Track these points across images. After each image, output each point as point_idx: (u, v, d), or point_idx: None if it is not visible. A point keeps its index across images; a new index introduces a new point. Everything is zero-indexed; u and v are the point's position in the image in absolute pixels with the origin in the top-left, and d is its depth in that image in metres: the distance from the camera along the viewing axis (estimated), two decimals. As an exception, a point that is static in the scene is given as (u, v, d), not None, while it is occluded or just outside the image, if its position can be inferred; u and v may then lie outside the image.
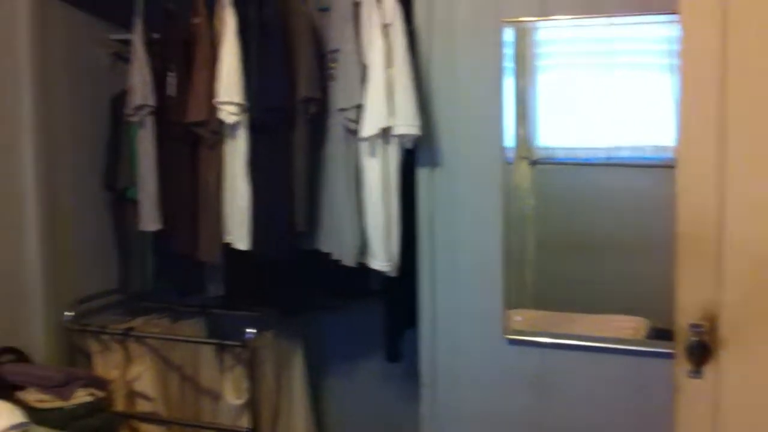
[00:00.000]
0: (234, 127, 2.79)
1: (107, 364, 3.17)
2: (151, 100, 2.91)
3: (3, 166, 2.91)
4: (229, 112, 2.75)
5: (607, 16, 2.53)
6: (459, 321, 2.77)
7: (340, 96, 2.70)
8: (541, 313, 2.83)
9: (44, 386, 2.80)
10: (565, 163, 2.87)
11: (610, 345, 2.61)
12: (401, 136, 2.65)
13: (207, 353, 3.29)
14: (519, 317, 2.73)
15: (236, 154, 2.82)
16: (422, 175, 2.75)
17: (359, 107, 2.64)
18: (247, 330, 2.96)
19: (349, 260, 2.74)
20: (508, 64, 2.63)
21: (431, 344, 2.81)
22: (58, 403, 2.77)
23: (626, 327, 2.70)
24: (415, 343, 2.86)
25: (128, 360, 3.18)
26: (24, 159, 2.98)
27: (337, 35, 2.71)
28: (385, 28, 2.62)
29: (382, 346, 3.12)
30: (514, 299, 2.72)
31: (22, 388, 2.79)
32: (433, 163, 2.74)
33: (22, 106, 2.96)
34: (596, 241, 2.77)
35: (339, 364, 3.57)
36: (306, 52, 2.71)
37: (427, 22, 2.70)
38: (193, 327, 3.38)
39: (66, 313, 3.13)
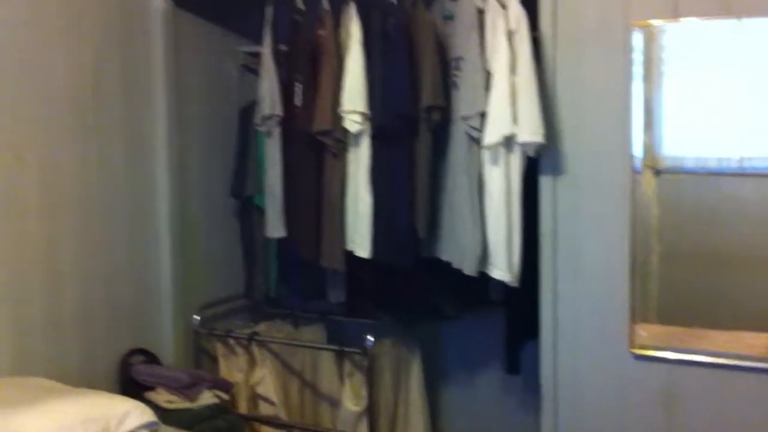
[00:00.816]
0: (358, 135, 2.83)
1: (231, 368, 3.26)
2: (278, 110, 2.99)
3: (139, 176, 3.04)
4: (353, 121, 2.79)
5: (740, 17, 2.44)
6: (582, 333, 2.70)
7: (463, 103, 2.69)
8: (667, 328, 2.73)
9: (172, 387, 2.90)
10: (693, 173, 2.77)
11: (740, 362, 2.49)
12: (524, 144, 2.62)
13: (327, 359, 3.33)
14: (644, 332, 2.65)
15: (359, 162, 2.86)
16: (545, 183, 2.71)
17: (482, 115, 2.63)
18: (367, 337, 2.98)
19: (469, 269, 2.72)
20: (635, 69, 2.57)
21: (552, 356, 2.76)
22: (185, 404, 2.86)
23: (758, 344, 2.57)
24: (535, 355, 2.81)
25: (252, 364, 3.27)
26: (158, 168, 3.11)
27: (461, 43, 2.71)
28: (510, 35, 2.61)
29: (502, 356, 3.08)
30: (638, 313, 2.64)
31: (151, 388, 2.90)
32: (557, 171, 2.69)
33: (157, 117, 3.10)
34: (725, 253, 2.65)
35: (457, 374, 3.55)
36: (430, 60, 2.72)
37: (552, 29, 2.66)
38: (313, 333, 3.44)
39: (194, 317, 3.24)
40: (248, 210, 3.35)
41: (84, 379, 2.63)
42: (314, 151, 2.93)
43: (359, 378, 3.16)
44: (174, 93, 3.13)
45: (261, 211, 3.17)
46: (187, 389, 2.90)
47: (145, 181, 3.07)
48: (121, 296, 2.98)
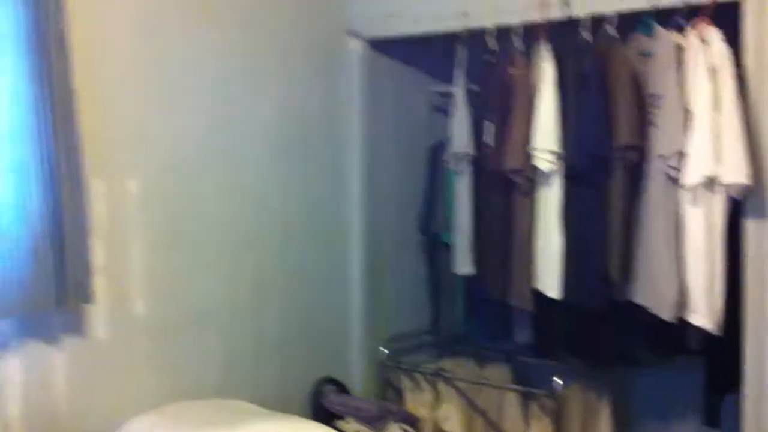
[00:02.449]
0: (549, 174, 2.80)
1: (417, 402, 3.29)
2: (469, 149, 3.02)
3: (333, 209, 3.17)
4: (545, 160, 2.77)
5: None
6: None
7: (661, 142, 2.61)
8: None
9: (361, 417, 2.96)
10: None
11: None
12: (728, 186, 2.49)
13: (512, 400, 3.28)
14: None
15: (550, 201, 2.83)
16: (750, 226, 2.56)
17: (682, 154, 2.54)
18: (554, 379, 2.92)
19: (666, 314, 2.61)
20: None
21: (756, 411, 2.58)
22: (373, 435, 2.91)
23: None
24: (737, 408, 2.64)
25: (437, 399, 3.28)
26: (352, 201, 3.23)
27: (659, 80, 2.63)
28: (713, 71, 2.50)
29: (700, 408, 2.92)
30: None
31: (341, 417, 2.97)
32: (763, 214, 2.54)
33: (352, 152, 3.23)
34: None
35: (650, 423, 3.39)
36: (626, 98, 2.66)
37: (756, 64, 2.53)
38: (499, 372, 3.41)
39: (381, 349, 3.30)
40: (436, 246, 3.39)
41: (279, 405, 2.73)
42: (504, 190, 2.93)
43: (546, 422, 3.09)
44: (368, 130, 3.25)
45: (449, 248, 3.20)
46: (376, 421, 2.95)
47: (339, 214, 3.20)
48: (315, 325, 3.11)
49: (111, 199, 2.37)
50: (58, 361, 2.27)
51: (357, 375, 3.27)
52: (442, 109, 3.38)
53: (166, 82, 2.57)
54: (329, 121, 3.15)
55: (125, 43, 2.44)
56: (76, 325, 2.32)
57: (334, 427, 2.73)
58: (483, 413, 3.32)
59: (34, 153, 2.09)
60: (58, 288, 2.15)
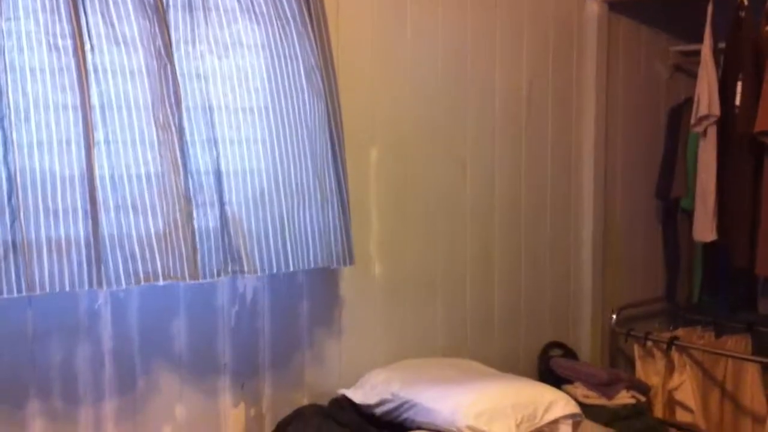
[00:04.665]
0: (805, 138, 2.63)
1: (648, 370, 3.22)
2: (716, 110, 2.88)
3: (564, 179, 3.15)
4: (802, 122, 2.59)
5: None
6: None
7: None
8: None
9: (590, 383, 2.93)
10: None
11: None
12: None
13: (752, 372, 3.15)
14: None
15: (805, 166, 2.65)
16: None
17: None
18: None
19: None
20: None
21: None
22: (602, 401, 2.88)
23: None
24: None
25: (670, 369, 3.19)
26: (584, 170, 3.20)
27: None
28: None
29: None
30: None
31: (569, 381, 2.96)
32: None
33: (586, 120, 3.18)
34: None
35: None
36: None
37: None
38: (738, 343, 3.26)
39: (612, 316, 3.25)
40: (673, 212, 3.28)
41: (506, 366, 2.77)
42: (753, 154, 2.78)
43: (789, 397, 2.94)
44: (603, 96, 3.18)
45: (687, 214, 3.09)
46: (605, 387, 2.91)
47: (570, 183, 3.17)
48: (543, 293, 3.12)
49: (354, 169, 2.44)
50: (304, 313, 2.43)
51: (586, 341, 3.25)
52: (684, 69, 3.24)
53: (402, 58, 2.63)
54: (560, 90, 3.10)
55: (369, 23, 2.53)
56: (326, 283, 2.47)
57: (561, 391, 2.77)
58: (719, 384, 3.20)
59: (309, 124, 2.23)
60: (340, 246, 2.28)
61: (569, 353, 3.16)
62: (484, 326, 2.93)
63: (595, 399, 2.89)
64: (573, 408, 2.35)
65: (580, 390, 2.92)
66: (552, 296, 3.16)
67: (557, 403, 2.30)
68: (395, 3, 2.59)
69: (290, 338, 2.40)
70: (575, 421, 2.35)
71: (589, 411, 2.76)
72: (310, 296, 2.43)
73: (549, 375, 3.02)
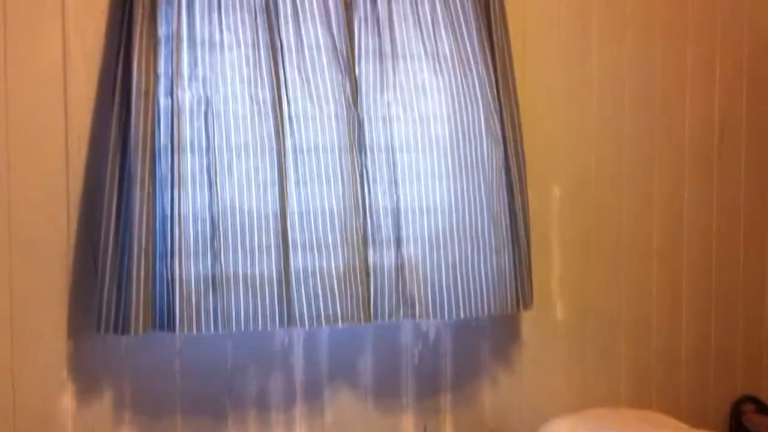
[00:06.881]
0: None
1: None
2: None
3: (760, 215, 2.97)
4: None
5: None
6: None
7: None
8: None
9: (782, 441, 2.77)
10: None
11: None
12: None
13: None
14: None
15: None
16: None
17: None
18: None
19: None
20: None
21: None
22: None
23: None
24: None
25: None
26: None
27: None
28: None
29: None
30: None
31: (761, 438, 2.81)
32: None
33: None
34: None
35: None
36: None
37: None
38: None
39: None
40: None
41: (693, 419, 2.64)
42: None
43: None
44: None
45: None
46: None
47: (766, 220, 2.99)
48: (733, 339, 2.95)
49: (535, 207, 2.45)
50: (485, 353, 2.44)
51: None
52: None
53: (587, 93, 2.61)
54: (759, 120, 2.92)
55: (555, 58, 2.54)
56: (508, 323, 2.47)
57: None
58: None
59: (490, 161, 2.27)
60: (516, 293, 2.29)
61: (764, 408, 2.98)
62: (670, 373, 2.81)
63: (791, 461, 2.72)
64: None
65: (771, 447, 2.77)
66: (744, 343, 2.99)
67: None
68: (581, 35, 2.59)
69: (471, 380, 2.42)
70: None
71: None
72: (492, 337, 2.44)
73: (741, 431, 2.87)
